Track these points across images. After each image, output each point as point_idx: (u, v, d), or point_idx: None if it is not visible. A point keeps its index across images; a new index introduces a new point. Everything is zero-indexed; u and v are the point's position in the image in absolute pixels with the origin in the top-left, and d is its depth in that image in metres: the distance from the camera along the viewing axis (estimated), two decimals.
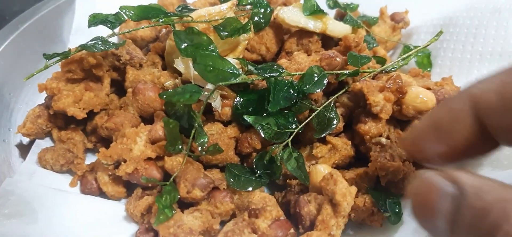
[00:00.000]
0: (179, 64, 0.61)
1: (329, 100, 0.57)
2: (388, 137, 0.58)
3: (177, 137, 0.55)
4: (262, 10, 0.68)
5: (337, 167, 0.58)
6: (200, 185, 0.53)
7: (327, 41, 0.71)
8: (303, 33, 0.69)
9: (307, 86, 0.56)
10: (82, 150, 0.63)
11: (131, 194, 0.59)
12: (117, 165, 0.57)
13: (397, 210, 0.52)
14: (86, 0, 0.82)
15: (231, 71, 0.55)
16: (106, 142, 0.63)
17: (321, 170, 0.55)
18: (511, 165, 0.52)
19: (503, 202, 0.23)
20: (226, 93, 0.58)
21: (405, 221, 0.52)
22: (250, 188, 0.55)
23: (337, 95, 0.58)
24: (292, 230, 0.52)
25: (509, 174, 0.50)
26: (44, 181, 0.60)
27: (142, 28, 0.66)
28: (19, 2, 0.92)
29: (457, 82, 0.65)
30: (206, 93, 0.55)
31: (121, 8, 0.60)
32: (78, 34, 0.79)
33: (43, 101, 0.66)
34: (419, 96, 0.55)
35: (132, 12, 0.60)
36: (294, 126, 0.56)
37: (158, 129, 0.57)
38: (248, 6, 0.68)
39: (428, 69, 0.74)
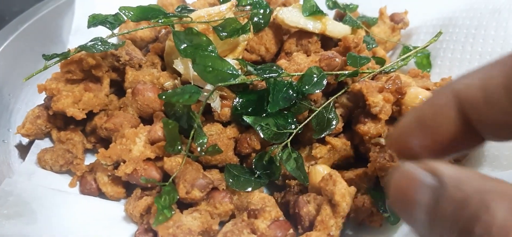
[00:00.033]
0: (179, 64, 0.61)
1: (329, 101, 0.57)
2: None
3: (176, 138, 0.55)
4: (262, 11, 0.68)
5: (336, 167, 0.58)
6: (199, 186, 0.53)
7: (327, 41, 0.71)
8: (302, 34, 0.69)
9: (307, 87, 0.56)
10: (81, 150, 0.63)
11: (130, 194, 0.59)
12: (116, 165, 0.57)
13: None
14: (86, 0, 0.83)
15: (230, 72, 0.55)
16: (106, 142, 0.63)
17: (320, 171, 0.55)
18: (510, 166, 0.52)
19: (482, 193, 0.23)
20: (226, 94, 0.58)
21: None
22: (249, 189, 0.55)
23: (336, 95, 0.58)
24: (291, 231, 0.52)
25: (509, 174, 0.50)
26: (44, 181, 0.60)
27: (142, 28, 0.66)
28: (18, 2, 0.92)
29: None
30: (205, 93, 0.55)
31: (121, 8, 0.60)
32: (77, 34, 0.79)
33: (43, 102, 0.66)
34: (419, 96, 0.55)
35: (132, 12, 0.60)
36: (293, 126, 0.56)
37: (158, 129, 0.57)
38: (248, 7, 0.68)
39: (428, 70, 0.74)
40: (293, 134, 0.55)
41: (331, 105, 0.57)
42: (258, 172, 0.56)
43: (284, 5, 0.78)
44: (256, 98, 0.58)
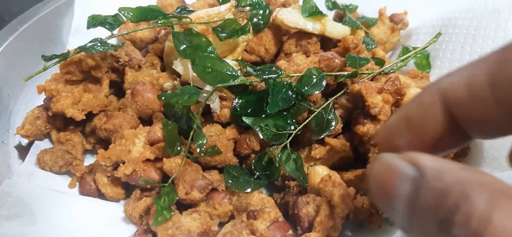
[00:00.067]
0: (178, 65, 0.61)
1: (328, 102, 0.57)
2: None
3: (175, 139, 0.55)
4: (261, 12, 0.68)
5: (336, 168, 0.58)
6: (199, 187, 0.53)
7: (326, 42, 0.71)
8: (302, 35, 0.69)
9: (306, 88, 0.56)
10: (81, 151, 0.63)
11: (130, 195, 0.59)
12: (115, 166, 0.57)
13: None
14: (85, 1, 0.82)
15: (229, 73, 0.55)
16: (105, 143, 0.63)
17: (319, 172, 0.55)
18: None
19: (462, 183, 0.23)
20: (225, 95, 0.58)
21: None
22: (249, 190, 0.55)
23: (335, 96, 0.58)
24: (290, 232, 0.52)
25: (508, 175, 0.50)
26: (43, 182, 0.60)
27: (141, 29, 0.66)
28: (18, 3, 0.92)
29: None
30: (204, 94, 0.55)
31: (120, 9, 0.60)
32: (77, 35, 0.79)
33: (42, 103, 0.66)
34: None
35: (131, 13, 0.60)
36: (292, 127, 0.56)
37: (157, 130, 0.57)
38: (247, 8, 0.68)
39: (427, 71, 0.74)
40: (292, 135, 0.55)
41: (331, 106, 0.57)
42: (257, 173, 0.56)
43: (284, 5, 0.78)
44: (255, 99, 0.58)
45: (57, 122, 0.65)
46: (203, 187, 0.53)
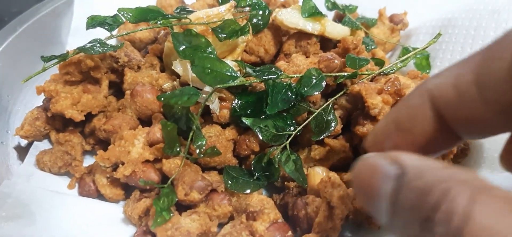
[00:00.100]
0: (177, 66, 0.61)
1: (328, 103, 0.57)
2: None
3: (175, 140, 0.55)
4: (261, 12, 0.68)
5: (335, 169, 0.58)
6: (198, 188, 0.53)
7: (326, 43, 0.71)
8: (301, 35, 0.68)
9: (306, 88, 0.56)
10: (80, 152, 0.63)
11: (129, 196, 0.59)
12: (115, 167, 0.57)
13: None
14: (84, 2, 0.82)
15: (229, 73, 0.55)
16: (104, 144, 0.63)
17: (319, 173, 0.55)
18: None
19: (443, 182, 0.23)
20: (224, 96, 0.58)
21: None
22: (248, 191, 0.55)
23: (335, 97, 0.58)
24: (289, 233, 0.52)
25: (508, 176, 0.50)
26: (42, 183, 0.60)
27: (141, 30, 0.66)
28: (17, 3, 0.92)
29: None
30: (204, 95, 0.55)
31: (119, 10, 0.60)
32: (76, 35, 0.79)
33: (41, 103, 0.66)
34: None
35: (130, 14, 0.60)
36: (292, 128, 0.56)
37: (156, 131, 0.57)
38: (247, 8, 0.67)
39: (427, 71, 0.74)
40: (292, 136, 0.55)
41: (330, 106, 0.57)
42: (257, 174, 0.56)
43: (283, 6, 0.78)
44: (255, 100, 0.58)
45: (56, 123, 0.64)
46: (203, 188, 0.53)
